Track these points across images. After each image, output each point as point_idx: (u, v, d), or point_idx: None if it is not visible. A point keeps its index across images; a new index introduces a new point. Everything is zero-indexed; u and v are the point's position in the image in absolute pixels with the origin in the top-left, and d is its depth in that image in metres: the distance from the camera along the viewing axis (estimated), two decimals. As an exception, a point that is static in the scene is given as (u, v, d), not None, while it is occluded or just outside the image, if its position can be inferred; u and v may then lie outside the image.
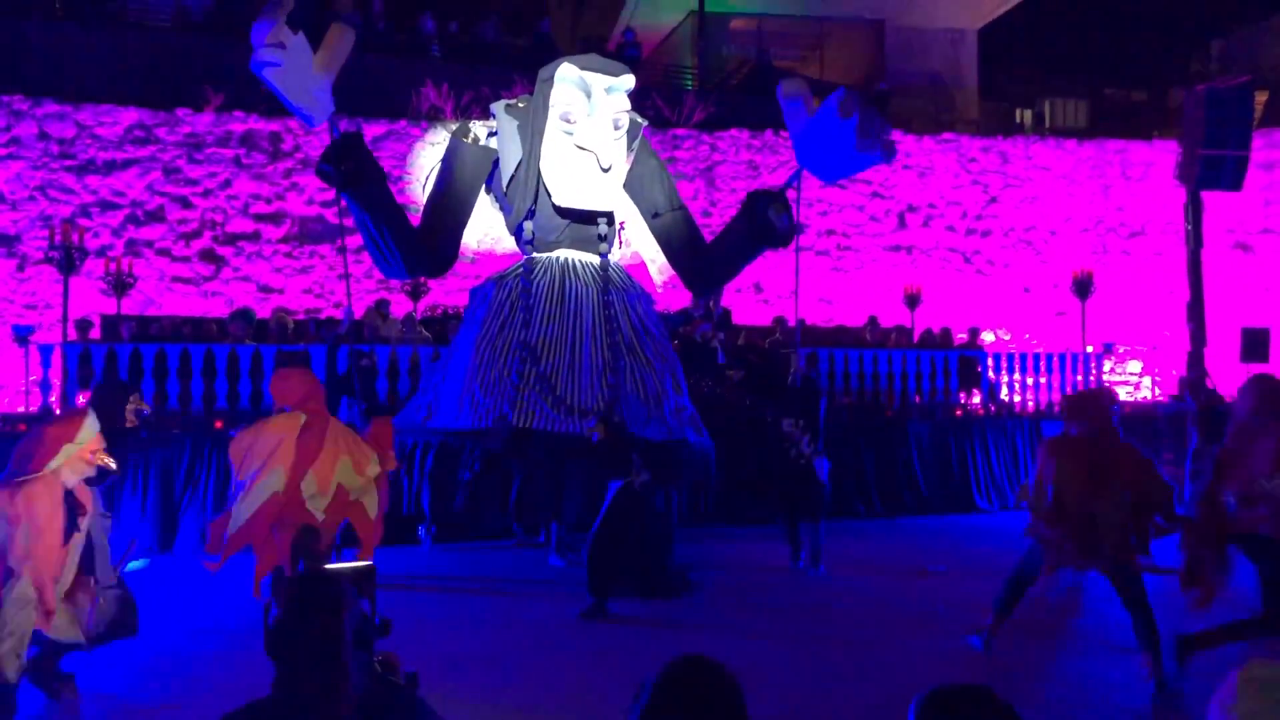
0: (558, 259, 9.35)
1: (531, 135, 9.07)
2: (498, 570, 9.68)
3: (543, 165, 9.06)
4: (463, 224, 9.55)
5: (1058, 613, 7.89)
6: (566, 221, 9.33)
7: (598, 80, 8.94)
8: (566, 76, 8.90)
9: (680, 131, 17.84)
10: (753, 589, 8.85)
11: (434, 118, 16.30)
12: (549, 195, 9.15)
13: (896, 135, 18.65)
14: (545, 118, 8.99)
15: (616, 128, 9.04)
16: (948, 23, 22.20)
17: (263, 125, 15.81)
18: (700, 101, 18.18)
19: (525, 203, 9.22)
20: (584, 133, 8.92)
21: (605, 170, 8.98)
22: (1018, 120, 22.41)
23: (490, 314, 9.24)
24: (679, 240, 10.03)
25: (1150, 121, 20.47)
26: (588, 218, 9.35)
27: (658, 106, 17.38)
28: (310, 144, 16.03)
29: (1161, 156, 19.07)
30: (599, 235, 9.46)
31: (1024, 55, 23.81)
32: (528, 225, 9.33)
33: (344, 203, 8.65)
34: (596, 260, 9.53)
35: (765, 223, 9.30)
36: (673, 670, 2.01)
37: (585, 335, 9.01)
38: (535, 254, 9.39)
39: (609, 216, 9.56)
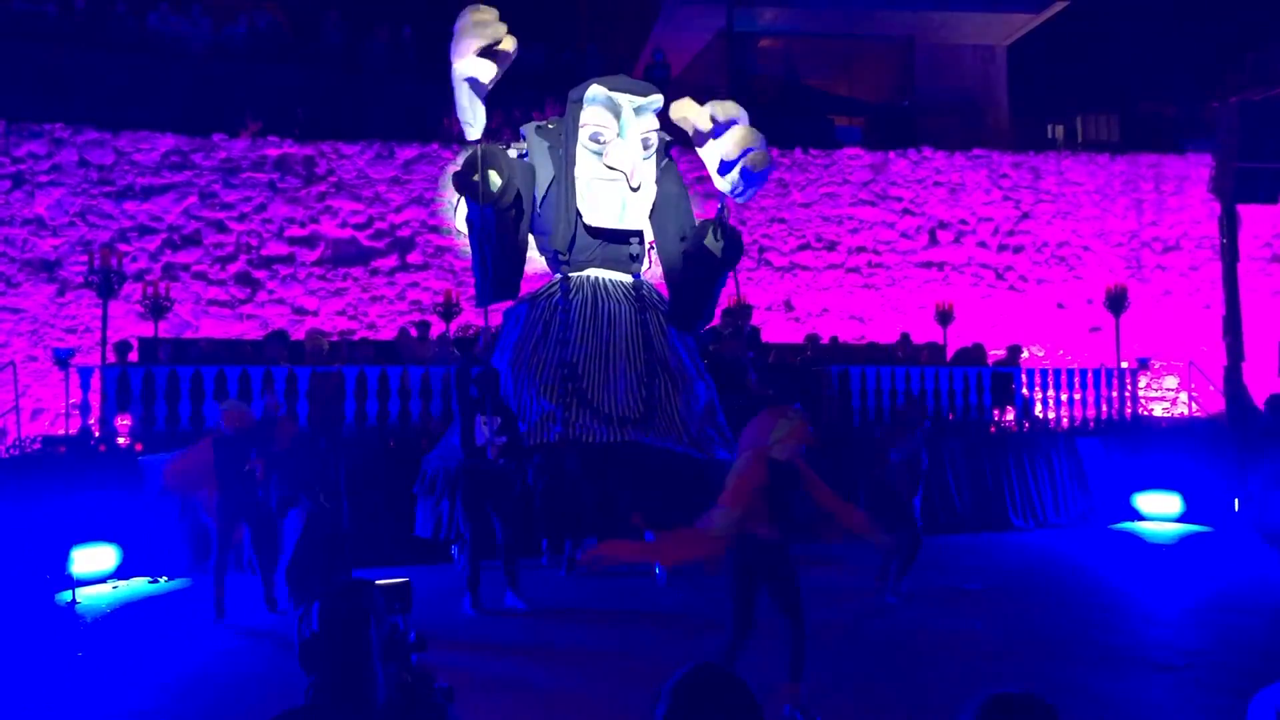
0: (590, 278, 9.39)
1: (564, 156, 9.14)
2: (527, 589, 9.69)
3: (576, 185, 9.12)
4: (525, 242, 9.54)
5: (1093, 631, 7.82)
6: (598, 241, 9.37)
7: (627, 100, 9.01)
8: (596, 97, 8.98)
9: (710, 151, 17.86)
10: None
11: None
12: (580, 215, 9.20)
13: (927, 152, 18.72)
14: (575, 138, 9.07)
15: (646, 147, 9.10)
16: (977, 39, 22.14)
17: (297, 150, 16.01)
18: (729, 121, 18.18)
19: (557, 223, 9.28)
20: (614, 153, 8.98)
21: (635, 190, 9.03)
22: (1049, 135, 22.30)
23: (524, 335, 9.29)
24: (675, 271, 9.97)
25: (1183, 135, 20.29)
26: (619, 237, 9.40)
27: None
28: (343, 167, 16.22)
29: (1195, 170, 18.91)
30: (631, 255, 9.50)
31: (1054, 70, 23.69)
32: (561, 245, 9.37)
33: (473, 218, 8.74)
34: (629, 279, 9.56)
35: (702, 251, 9.30)
36: (688, 680, 2.03)
37: (620, 354, 9.03)
38: (569, 274, 9.43)
39: (640, 235, 9.59)
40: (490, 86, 7.94)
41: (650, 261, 10.34)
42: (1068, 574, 10.29)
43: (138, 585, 10.04)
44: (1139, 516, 13.69)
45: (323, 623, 2.47)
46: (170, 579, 10.21)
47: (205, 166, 15.67)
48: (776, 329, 17.07)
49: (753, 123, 18.26)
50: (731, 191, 9.15)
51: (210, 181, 15.67)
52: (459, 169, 8.52)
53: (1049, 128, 22.60)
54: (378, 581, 3.09)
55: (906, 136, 19.46)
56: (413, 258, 16.31)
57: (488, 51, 7.62)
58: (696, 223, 9.94)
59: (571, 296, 9.23)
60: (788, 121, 19.16)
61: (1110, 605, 8.85)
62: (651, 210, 9.74)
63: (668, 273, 9.96)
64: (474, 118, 8.04)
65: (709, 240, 9.24)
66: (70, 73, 15.61)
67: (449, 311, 14.61)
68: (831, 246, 18.20)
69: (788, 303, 17.66)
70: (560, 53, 19.39)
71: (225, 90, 16.15)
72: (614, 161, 8.96)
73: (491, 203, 8.38)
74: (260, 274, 15.81)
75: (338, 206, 16.14)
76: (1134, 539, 12.54)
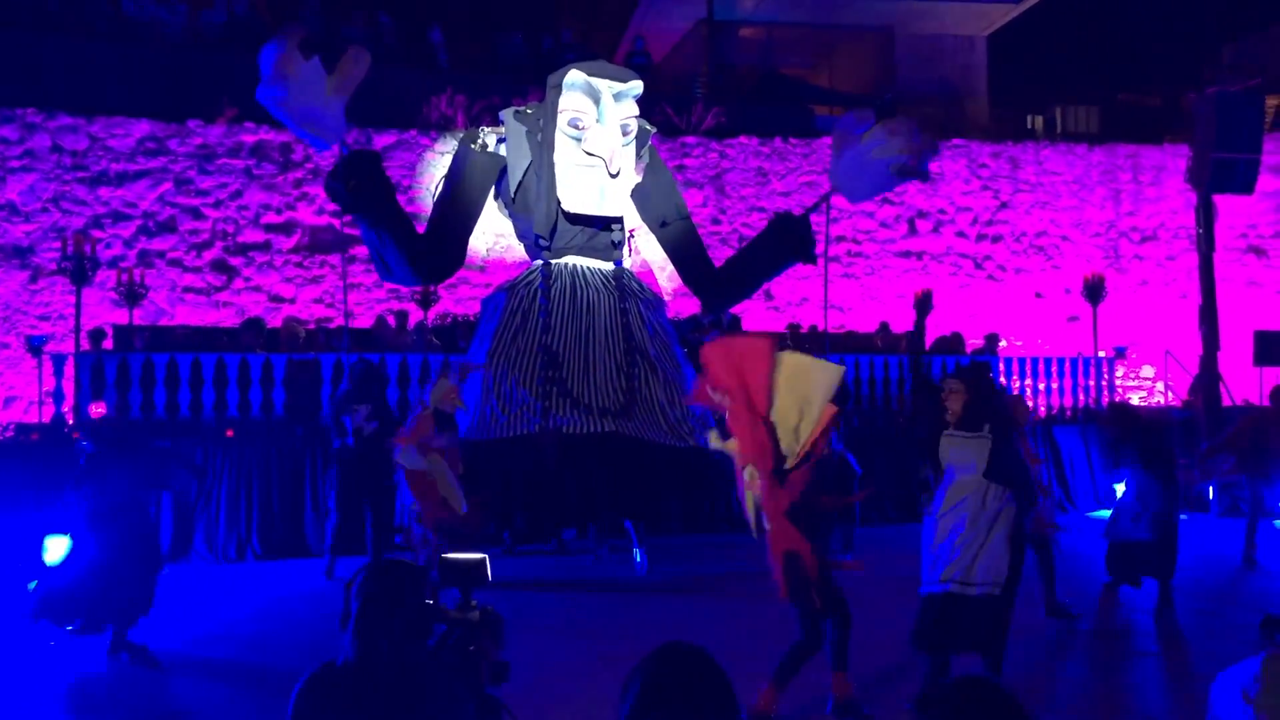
0: (568, 266, 9.34)
1: (541, 142, 9.09)
2: (503, 574, 9.67)
3: (556, 171, 9.07)
4: (469, 230, 9.57)
5: (1070, 616, 7.85)
6: (577, 228, 9.33)
7: (606, 86, 8.96)
8: (575, 82, 8.92)
9: (689, 139, 17.86)
10: (766, 596, 8.81)
11: (444, 127, 16.36)
12: (559, 201, 9.15)
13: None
14: (554, 124, 9.01)
15: (625, 133, 9.06)
16: (957, 29, 22.19)
17: (273, 136, 15.88)
18: (709, 109, 18.20)
19: (537, 209, 9.23)
20: (593, 139, 8.93)
21: (613, 176, 8.99)
22: (1029, 126, 22.35)
23: (503, 324, 9.23)
24: (687, 251, 10.03)
25: (1162, 126, 20.40)
26: (598, 224, 9.35)
27: (667, 114, 17.40)
28: (321, 155, 16.10)
29: (1173, 160, 19.00)
30: (612, 242, 9.45)
31: (1034, 61, 23.77)
32: (543, 230, 9.32)
33: (349, 217, 8.75)
34: (609, 267, 9.52)
35: (803, 247, 9.43)
36: (660, 658, 2.03)
37: (599, 342, 8.99)
38: (549, 260, 9.38)
39: (620, 222, 9.56)
40: (331, 101, 7.85)
41: (632, 249, 10.31)
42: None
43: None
44: (1116, 504, 13.76)
45: (359, 594, 2.70)
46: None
47: (180, 153, 15.52)
48: (756, 318, 17.07)
49: (732, 110, 18.40)
50: (865, 190, 9.30)
51: (186, 168, 15.52)
52: (330, 173, 8.48)
53: (1028, 118, 22.65)
54: (448, 556, 3.23)
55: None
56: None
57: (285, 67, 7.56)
58: (685, 206, 9.96)
59: (550, 284, 9.19)
60: (767, 110, 19.15)
61: (1085, 592, 8.90)
62: (639, 197, 9.70)
63: (675, 252, 9.97)
64: (321, 132, 7.98)
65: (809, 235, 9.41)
66: (44, 57, 15.41)
67: (426, 300, 14.54)
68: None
69: (767, 292, 17.64)
70: (540, 40, 19.30)
71: (201, 76, 15.97)
72: (593, 147, 8.91)
73: (354, 207, 8.33)
74: (236, 261, 15.69)
75: (315, 193, 16.01)
76: (1110, 527, 12.60)
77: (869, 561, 10.18)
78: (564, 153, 9.06)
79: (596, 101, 8.94)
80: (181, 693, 6.23)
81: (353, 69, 7.80)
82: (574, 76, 8.95)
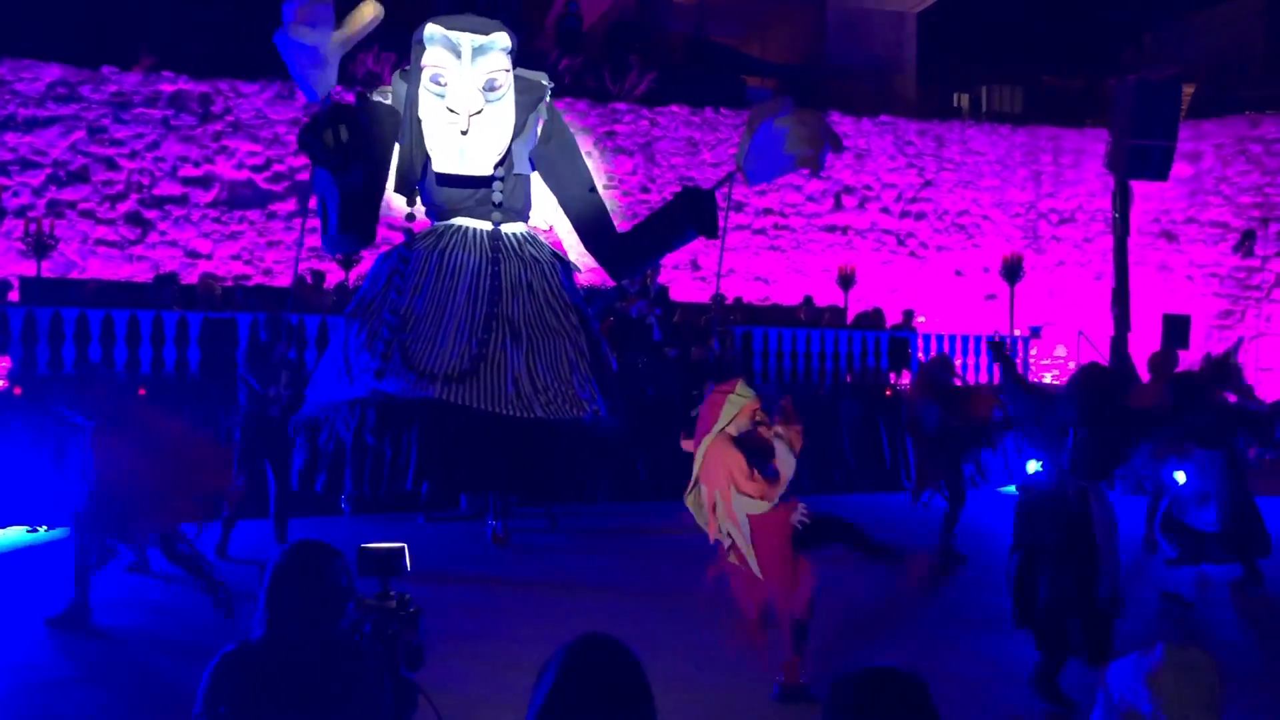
0: (450, 227, 9.06)
1: (408, 99, 8.84)
2: (418, 542, 9.62)
3: (423, 129, 8.82)
4: (383, 189, 9.24)
5: (982, 592, 8.04)
6: (464, 190, 9.03)
7: (467, 40, 8.63)
8: (433, 36, 8.59)
9: (620, 106, 17.74)
10: (677, 566, 8.86)
11: (371, 84, 16.01)
12: (426, 160, 8.89)
13: (835, 117, 18.81)
14: (418, 81, 8.75)
15: (492, 89, 8.73)
16: (888, 5, 22.31)
17: (192, 86, 15.42)
18: (641, 76, 18.10)
19: (415, 170, 8.97)
20: (453, 95, 8.65)
21: (464, 134, 8.69)
22: (955, 104, 22.61)
23: (369, 288, 9.02)
24: (591, 223, 9.73)
25: (1083, 109, 20.80)
26: (468, 183, 9.06)
27: (602, 78, 17.26)
28: (241, 107, 15.68)
29: (1092, 144, 19.40)
30: (493, 202, 9.11)
31: (963, 40, 24.00)
32: (426, 193, 9.08)
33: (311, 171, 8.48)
34: (489, 227, 9.18)
35: (705, 220, 9.30)
36: (574, 650, 2.04)
37: (458, 306, 8.69)
38: (436, 222, 9.14)
39: (500, 181, 9.17)
40: (333, 53, 7.68)
41: (555, 210, 10.06)
42: (958, 536, 10.54)
43: (15, 535, 9.70)
44: (1026, 480, 14.10)
45: (271, 571, 2.75)
46: (50, 528, 9.86)
47: (94, 100, 15.00)
48: (682, 289, 17.11)
49: (663, 78, 18.30)
50: (763, 173, 9.31)
51: (99, 116, 15.01)
52: (306, 123, 8.22)
53: (955, 96, 22.90)
54: (366, 546, 3.22)
55: (816, 99, 19.53)
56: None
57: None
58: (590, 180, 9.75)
59: (418, 246, 8.93)
60: (698, 78, 19.10)
61: (998, 567, 9.09)
62: (540, 162, 9.45)
63: (579, 222, 9.75)
64: (319, 81, 7.79)
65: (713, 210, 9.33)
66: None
67: (349, 260, 14.30)
68: (739, 207, 18.22)
69: (694, 262, 17.69)
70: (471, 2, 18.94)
71: (117, 20, 15.43)
72: (452, 103, 8.64)
73: (330, 167, 8.10)
74: (152, 214, 15.25)
75: (234, 147, 15.61)
76: (1020, 502, 12.91)
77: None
78: (428, 110, 8.78)
79: (458, 56, 8.64)
80: (87, 656, 6.10)
81: (365, 24, 7.61)
82: (432, 30, 8.60)
